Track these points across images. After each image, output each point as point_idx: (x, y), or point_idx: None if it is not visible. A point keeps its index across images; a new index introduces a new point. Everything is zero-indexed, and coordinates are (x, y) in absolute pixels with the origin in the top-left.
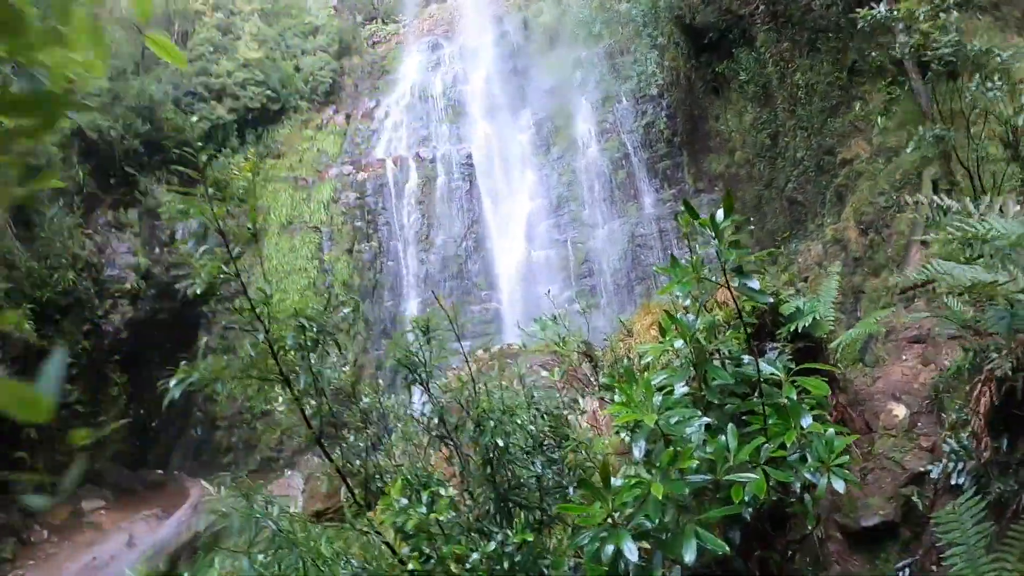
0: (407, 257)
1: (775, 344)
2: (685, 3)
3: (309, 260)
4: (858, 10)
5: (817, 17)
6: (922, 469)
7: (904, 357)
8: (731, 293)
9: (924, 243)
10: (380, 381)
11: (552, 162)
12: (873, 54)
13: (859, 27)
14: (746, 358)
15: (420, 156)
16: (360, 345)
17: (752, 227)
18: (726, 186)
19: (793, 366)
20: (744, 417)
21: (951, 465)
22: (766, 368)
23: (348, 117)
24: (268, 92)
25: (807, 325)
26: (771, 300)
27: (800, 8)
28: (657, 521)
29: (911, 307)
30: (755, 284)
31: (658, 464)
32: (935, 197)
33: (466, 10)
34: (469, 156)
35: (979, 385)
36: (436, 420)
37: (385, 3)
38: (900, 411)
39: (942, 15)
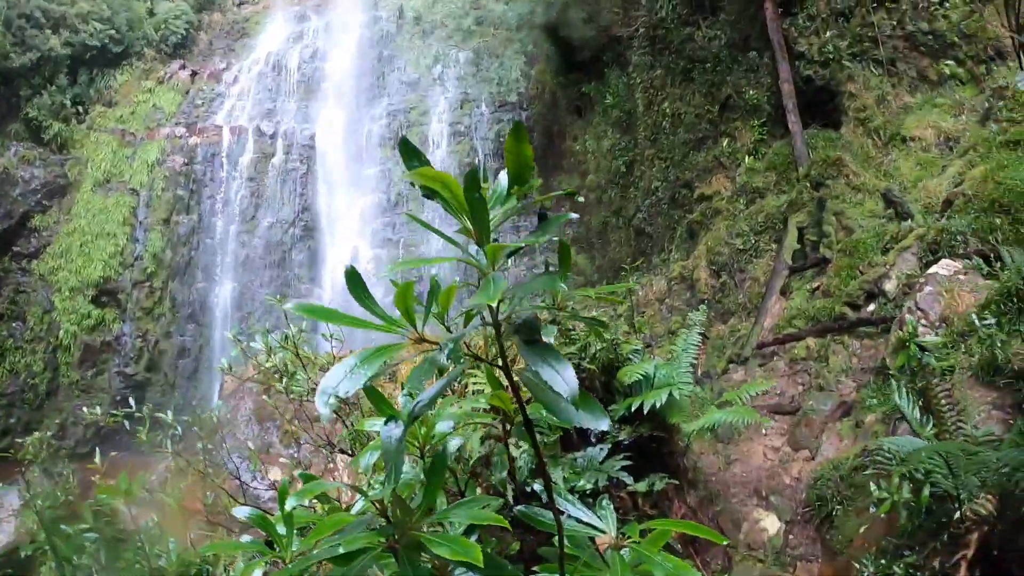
0: (228, 237)
1: (601, 432)
2: (564, 16)
3: (120, 225)
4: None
5: (697, 47)
6: None
7: (765, 432)
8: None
9: (784, 293)
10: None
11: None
12: (751, 92)
13: (740, 63)
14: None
15: (261, 130)
16: (163, 328)
17: (595, 255)
18: (573, 208)
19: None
20: None
21: None
22: (573, 512)
23: (194, 75)
24: (112, 32)
25: (658, 409)
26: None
27: (682, 36)
28: None
29: (767, 365)
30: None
31: None
32: (799, 246)
33: None
34: (312, 138)
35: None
36: None
37: None
38: (769, 522)
39: (837, 64)
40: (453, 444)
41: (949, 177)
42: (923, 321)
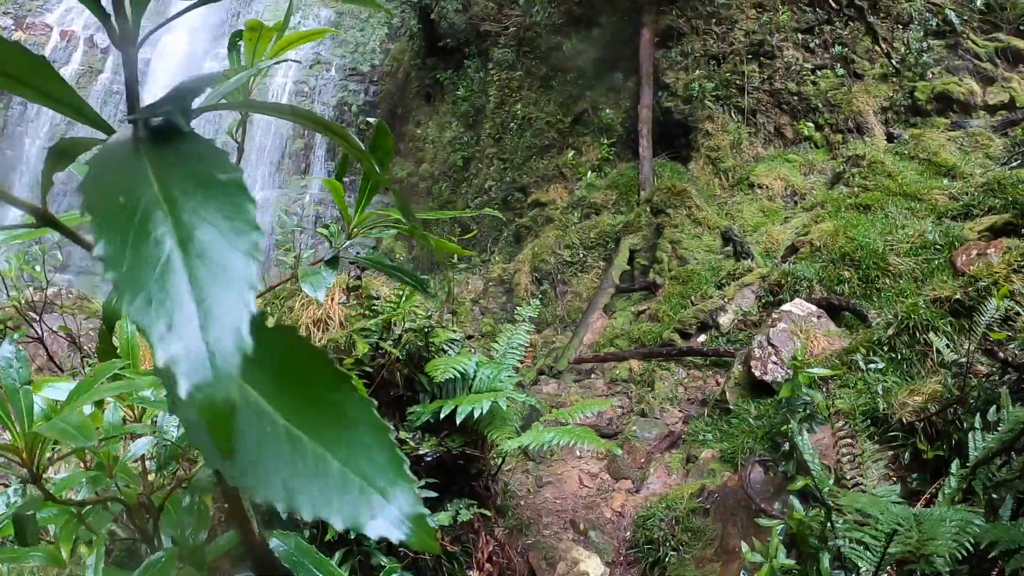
0: (30, 153)
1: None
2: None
3: None
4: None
5: (564, 57)
6: None
7: (580, 455)
8: None
9: (607, 311)
10: None
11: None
12: (607, 111)
13: (603, 82)
14: None
15: (94, 41)
16: None
17: (413, 244)
18: (402, 193)
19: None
20: None
21: None
22: None
23: None
24: None
25: (474, 420)
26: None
27: (550, 43)
28: None
29: (584, 382)
30: None
31: None
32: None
33: None
34: (147, 64)
35: None
36: None
37: None
38: (592, 565)
39: (699, 103)
40: None
41: (793, 227)
42: (773, 358)
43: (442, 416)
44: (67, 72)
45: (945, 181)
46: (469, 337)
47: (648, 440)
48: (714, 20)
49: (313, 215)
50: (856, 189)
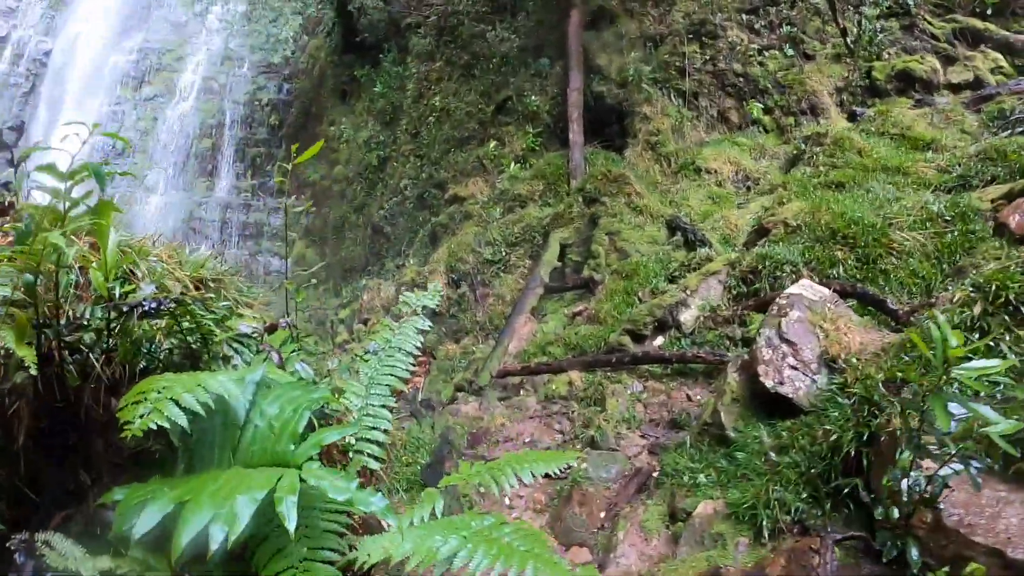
0: None
1: None
2: None
3: None
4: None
5: (487, 45)
6: None
7: (509, 502)
8: None
9: (535, 313)
10: None
11: (138, 101)
12: (533, 97)
13: (528, 68)
14: None
15: None
16: None
17: (327, 250)
18: (313, 197)
19: None
20: None
21: None
22: None
23: None
24: None
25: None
26: None
27: (473, 31)
28: None
29: (511, 400)
30: None
31: None
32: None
33: None
34: (48, 54)
35: None
36: None
37: None
38: None
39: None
40: None
41: (753, 212)
42: (791, 360)
43: (135, 532)
44: None
45: (929, 154)
46: (270, 330)
47: (606, 481)
48: (650, 2)
49: (219, 220)
50: (822, 168)
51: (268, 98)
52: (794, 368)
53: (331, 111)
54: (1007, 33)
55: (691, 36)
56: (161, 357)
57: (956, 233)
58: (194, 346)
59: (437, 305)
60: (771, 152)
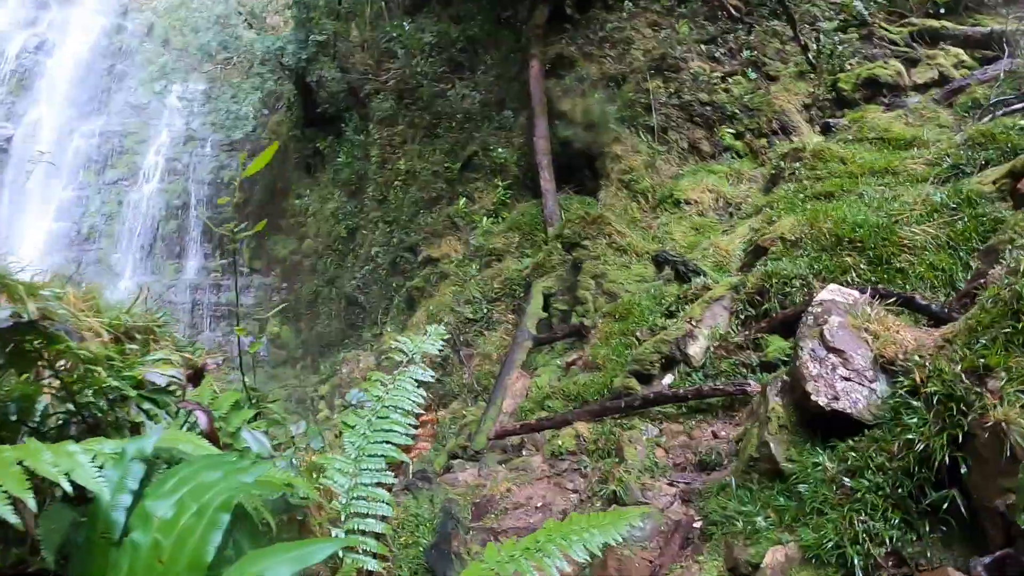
0: None
1: None
2: (314, 63)
3: None
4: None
5: (448, 104)
6: None
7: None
8: None
9: (526, 368)
10: None
11: (102, 185)
12: (499, 150)
13: (492, 121)
14: None
15: None
16: None
17: (301, 327)
18: (283, 274)
19: None
20: None
21: None
22: None
23: None
24: None
25: None
26: None
27: (433, 91)
28: None
29: (513, 462)
30: None
31: None
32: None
33: None
34: (9, 140)
35: None
36: None
37: None
38: None
39: (603, 127)
40: None
41: (742, 235)
42: (842, 371)
43: None
44: None
45: (914, 151)
46: (196, 374)
47: (640, 541)
48: (607, 44)
49: (190, 302)
50: (806, 182)
51: (232, 176)
52: (847, 379)
53: (296, 185)
54: (964, 28)
55: (653, 71)
56: (47, 429)
57: (966, 219)
58: (88, 410)
59: (440, 350)
60: (748, 176)
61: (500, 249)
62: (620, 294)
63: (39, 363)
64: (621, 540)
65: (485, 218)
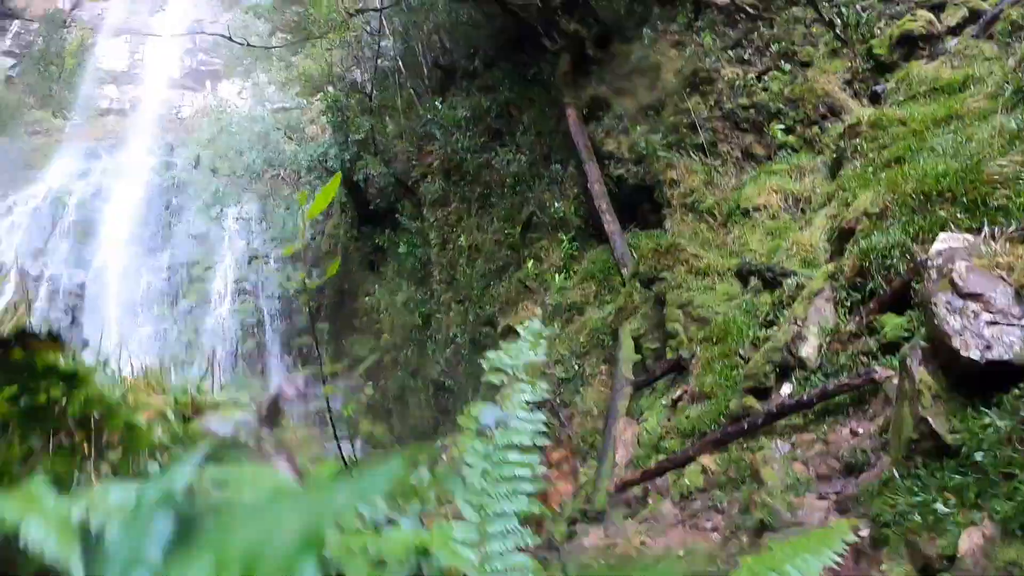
0: None
1: None
2: (359, 162)
3: None
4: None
5: (495, 172)
6: None
7: None
8: None
9: (631, 416)
10: None
11: (177, 316)
12: (556, 204)
13: (543, 178)
14: None
15: (24, 270)
16: None
17: (394, 422)
18: (367, 373)
19: None
20: None
21: None
22: None
23: None
24: None
25: None
26: None
27: (478, 163)
28: None
29: (641, 513)
30: None
31: None
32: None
33: (141, 128)
34: (82, 287)
35: None
36: None
37: (64, 96)
38: None
39: (653, 157)
40: None
41: (820, 226)
42: (985, 315)
43: None
44: None
45: (971, 89)
46: (271, 408)
47: None
48: (636, 75)
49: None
50: (871, 155)
51: (299, 286)
52: (993, 323)
53: (363, 284)
54: None
55: (688, 90)
56: None
57: None
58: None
59: (544, 399)
60: (809, 167)
61: (578, 302)
62: (711, 318)
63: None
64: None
65: (556, 275)
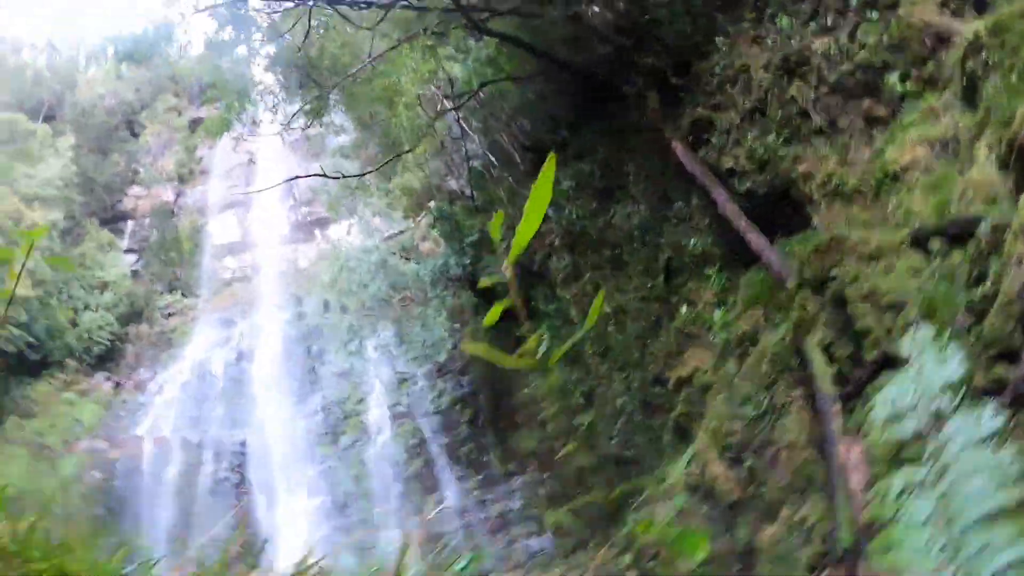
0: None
1: None
2: (478, 263)
3: None
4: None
5: (618, 229)
6: None
7: None
8: None
9: (848, 432)
10: None
11: (340, 453)
12: (692, 241)
13: (669, 220)
14: None
15: (186, 439)
16: None
17: (578, 509)
18: (540, 465)
19: None
20: None
21: None
22: None
23: (118, 386)
24: (29, 339)
25: None
26: None
27: (598, 225)
28: None
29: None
30: None
31: None
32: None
33: (266, 288)
34: (243, 444)
35: None
36: None
37: (189, 276)
38: None
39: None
40: None
41: (985, 157)
42: None
43: None
44: (170, 475)
45: None
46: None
47: None
48: (728, 84)
49: (461, 526)
50: (1008, 61)
51: (452, 397)
52: None
53: (516, 379)
54: None
55: (786, 79)
56: None
57: None
58: None
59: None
60: (941, 107)
61: (748, 332)
62: (904, 300)
63: None
64: None
65: (715, 311)
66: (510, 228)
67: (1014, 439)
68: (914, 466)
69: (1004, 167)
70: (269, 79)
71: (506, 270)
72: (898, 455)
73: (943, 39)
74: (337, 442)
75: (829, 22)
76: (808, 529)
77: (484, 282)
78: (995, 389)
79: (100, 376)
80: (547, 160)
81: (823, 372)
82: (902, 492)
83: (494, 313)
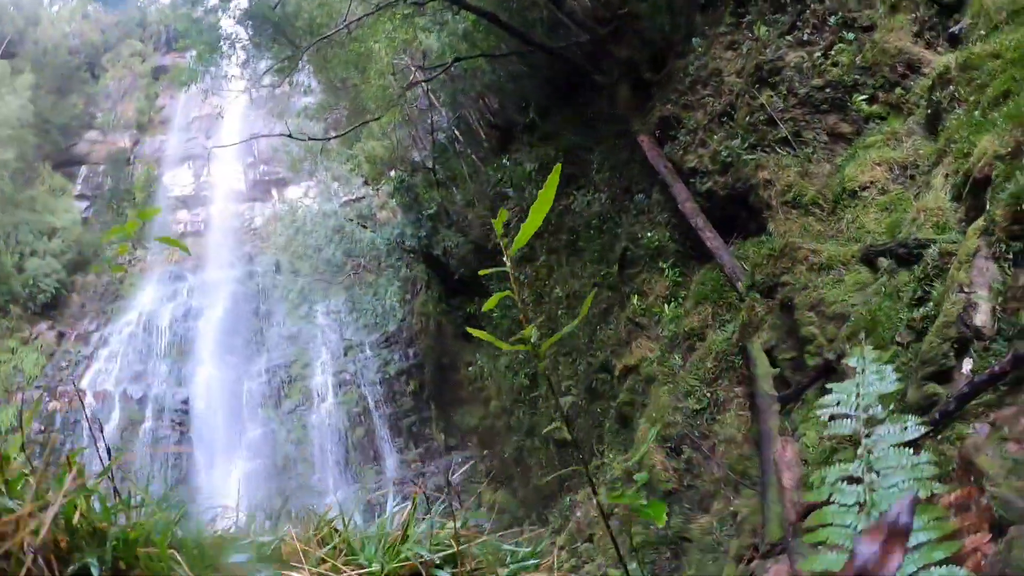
0: None
1: None
2: (436, 235)
3: None
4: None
5: (577, 216)
6: None
7: None
8: None
9: (784, 434)
10: None
11: (283, 416)
12: (648, 234)
13: (628, 211)
14: None
15: (128, 394)
16: None
17: (516, 486)
18: (481, 442)
19: None
20: None
21: None
22: None
23: (61, 336)
24: None
25: None
26: None
27: (558, 210)
28: None
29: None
30: None
31: None
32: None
33: (217, 244)
34: (186, 402)
35: None
36: None
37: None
38: None
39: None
40: None
41: (940, 187)
42: None
43: None
44: (109, 429)
45: None
46: None
47: None
48: (699, 85)
49: (400, 499)
50: (972, 98)
51: (399, 368)
52: None
53: (462, 354)
54: None
55: (757, 85)
56: None
57: None
58: None
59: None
60: (904, 131)
61: (696, 328)
62: (848, 311)
63: None
64: None
65: (665, 305)
66: (443, 213)
67: (933, 447)
68: (847, 461)
69: (957, 197)
70: (241, 33)
71: (507, 262)
72: (835, 450)
73: (913, 67)
74: (280, 405)
75: (806, 37)
76: (739, 521)
77: (485, 271)
78: (926, 405)
79: (43, 325)
80: (553, 171)
81: (765, 373)
82: (836, 481)
83: (492, 301)
